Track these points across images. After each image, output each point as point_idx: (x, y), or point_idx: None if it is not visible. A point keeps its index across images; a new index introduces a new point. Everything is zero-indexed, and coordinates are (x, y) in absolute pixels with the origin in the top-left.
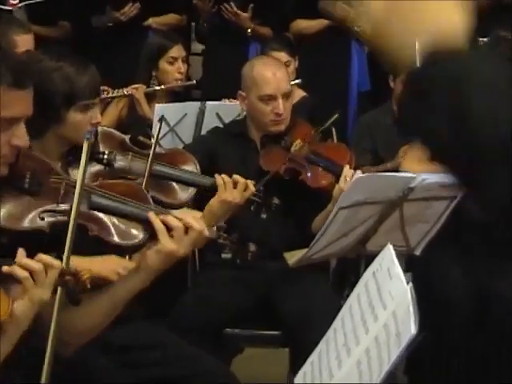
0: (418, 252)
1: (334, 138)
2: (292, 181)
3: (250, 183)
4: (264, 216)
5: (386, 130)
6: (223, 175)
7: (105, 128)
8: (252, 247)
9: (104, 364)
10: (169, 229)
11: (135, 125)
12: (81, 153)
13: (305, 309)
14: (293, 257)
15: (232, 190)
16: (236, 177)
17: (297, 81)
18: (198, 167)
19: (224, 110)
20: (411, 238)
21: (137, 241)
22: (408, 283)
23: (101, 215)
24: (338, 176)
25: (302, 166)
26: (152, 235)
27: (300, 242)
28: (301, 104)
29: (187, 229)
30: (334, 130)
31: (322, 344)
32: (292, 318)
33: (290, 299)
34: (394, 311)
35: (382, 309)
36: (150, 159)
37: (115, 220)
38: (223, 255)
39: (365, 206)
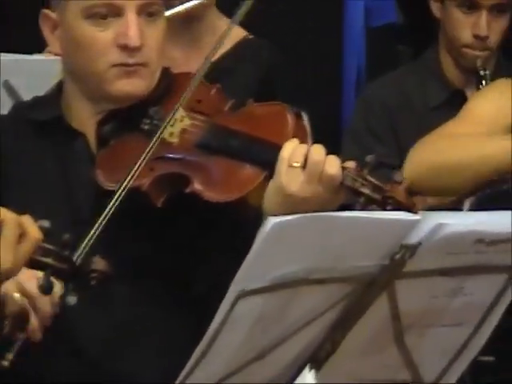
0: None
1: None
2: (170, 204)
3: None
4: (72, 301)
5: (420, 115)
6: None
7: None
8: None
9: None
10: None
11: None
12: None
13: None
14: None
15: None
16: (21, 220)
17: None
18: None
19: (22, 73)
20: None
21: None
22: None
23: None
24: (271, 167)
25: (190, 163)
26: None
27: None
28: (239, 50)
29: None
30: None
31: None
32: None
33: None
34: None
35: None
36: None
37: None
38: None
39: (305, 289)
